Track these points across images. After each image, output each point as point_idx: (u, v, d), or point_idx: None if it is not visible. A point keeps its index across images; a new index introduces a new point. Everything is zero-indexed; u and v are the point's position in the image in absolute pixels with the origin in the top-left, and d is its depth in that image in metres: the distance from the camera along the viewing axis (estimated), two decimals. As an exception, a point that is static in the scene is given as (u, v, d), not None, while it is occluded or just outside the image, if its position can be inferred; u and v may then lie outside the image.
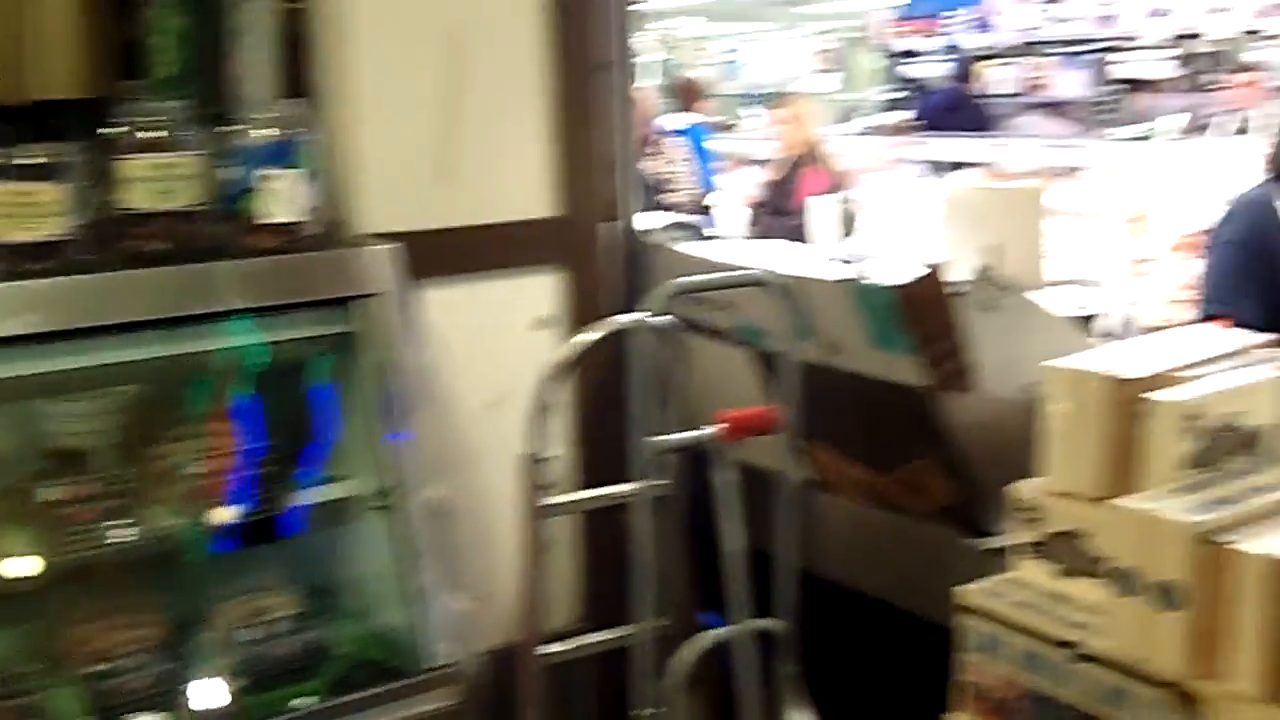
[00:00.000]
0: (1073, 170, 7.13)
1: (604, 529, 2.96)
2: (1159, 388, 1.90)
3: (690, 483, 2.66)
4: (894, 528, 2.59)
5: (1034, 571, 2.00)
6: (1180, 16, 9.47)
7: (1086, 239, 6.14)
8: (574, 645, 2.69)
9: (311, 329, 2.59)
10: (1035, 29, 10.48)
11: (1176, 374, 1.96)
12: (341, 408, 2.68)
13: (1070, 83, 10.41)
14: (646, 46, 11.91)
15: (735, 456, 2.45)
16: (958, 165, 7.56)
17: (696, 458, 2.56)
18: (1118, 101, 9.97)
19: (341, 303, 2.58)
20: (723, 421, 2.37)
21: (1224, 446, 1.92)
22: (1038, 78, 10.67)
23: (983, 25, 11.03)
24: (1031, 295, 2.39)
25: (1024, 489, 2.00)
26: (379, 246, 2.63)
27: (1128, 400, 1.90)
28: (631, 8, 3.25)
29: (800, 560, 2.62)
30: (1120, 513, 1.78)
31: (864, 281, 2.22)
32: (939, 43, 11.52)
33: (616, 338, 2.61)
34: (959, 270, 2.25)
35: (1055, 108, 10.50)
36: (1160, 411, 1.86)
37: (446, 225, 2.87)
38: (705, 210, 7.16)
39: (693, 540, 2.78)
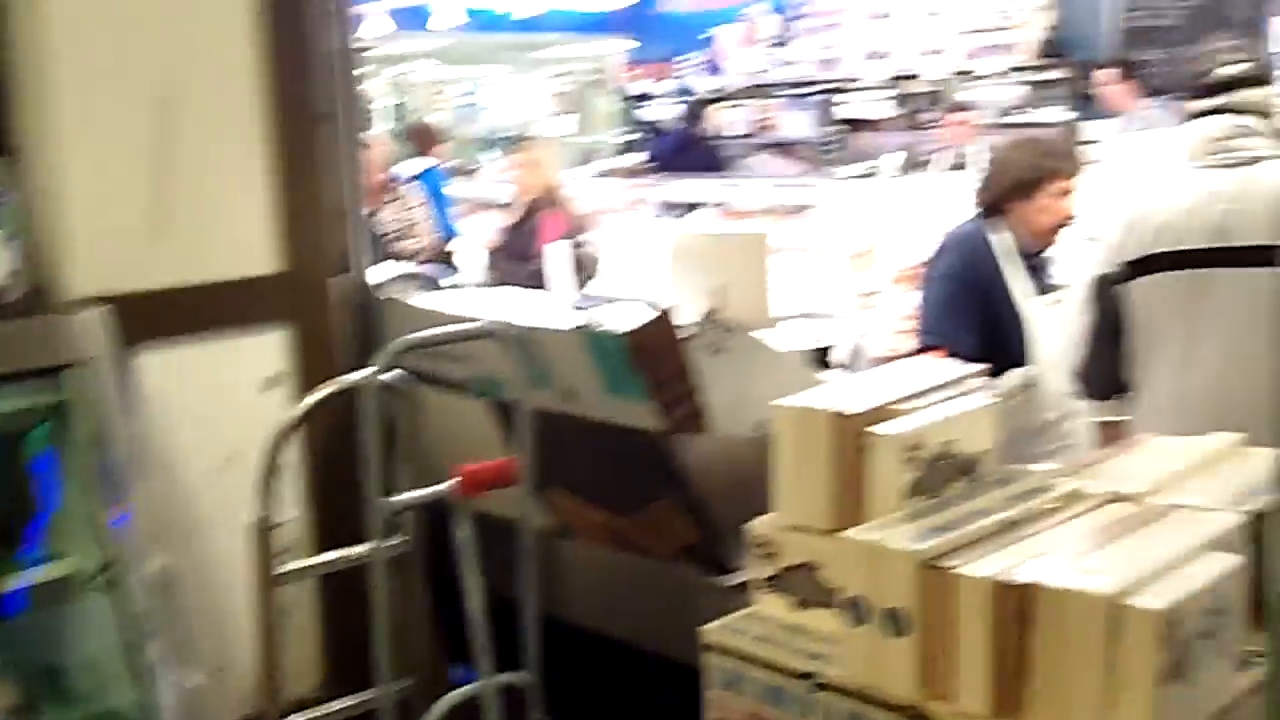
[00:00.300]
0: (802, 208, 7.38)
1: (343, 591, 2.88)
2: (880, 421, 1.96)
3: (434, 537, 2.61)
4: (639, 570, 2.60)
5: (772, 605, 2.03)
6: (897, 58, 9.94)
7: (817, 274, 6.36)
8: (317, 714, 2.60)
9: (19, 401, 2.45)
10: (763, 72, 10.84)
11: (896, 407, 2.02)
12: (59, 481, 2.54)
13: (797, 123, 10.79)
14: (378, 92, 11.79)
15: (477, 508, 2.42)
16: (693, 206, 7.73)
17: (439, 512, 2.52)
18: (842, 141, 10.39)
19: (51, 372, 2.45)
20: (459, 476, 2.33)
21: (944, 474, 1.99)
22: (766, 119, 11.03)
23: (713, 68, 11.35)
24: (760, 335, 2.44)
25: (759, 525, 2.03)
26: (89, 311, 2.50)
27: (852, 434, 1.95)
28: (358, 54, 3.20)
29: (548, 608, 2.61)
30: (848, 544, 1.83)
31: (595, 329, 2.22)
32: (673, 85, 11.79)
33: (348, 395, 2.55)
34: (688, 314, 2.29)
35: (784, 148, 10.87)
36: (881, 444, 1.92)
37: (164, 285, 2.75)
38: (446, 257, 7.10)
39: (441, 595, 2.73)
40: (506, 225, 6.52)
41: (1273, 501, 1.48)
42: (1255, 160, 2.91)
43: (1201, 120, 3.03)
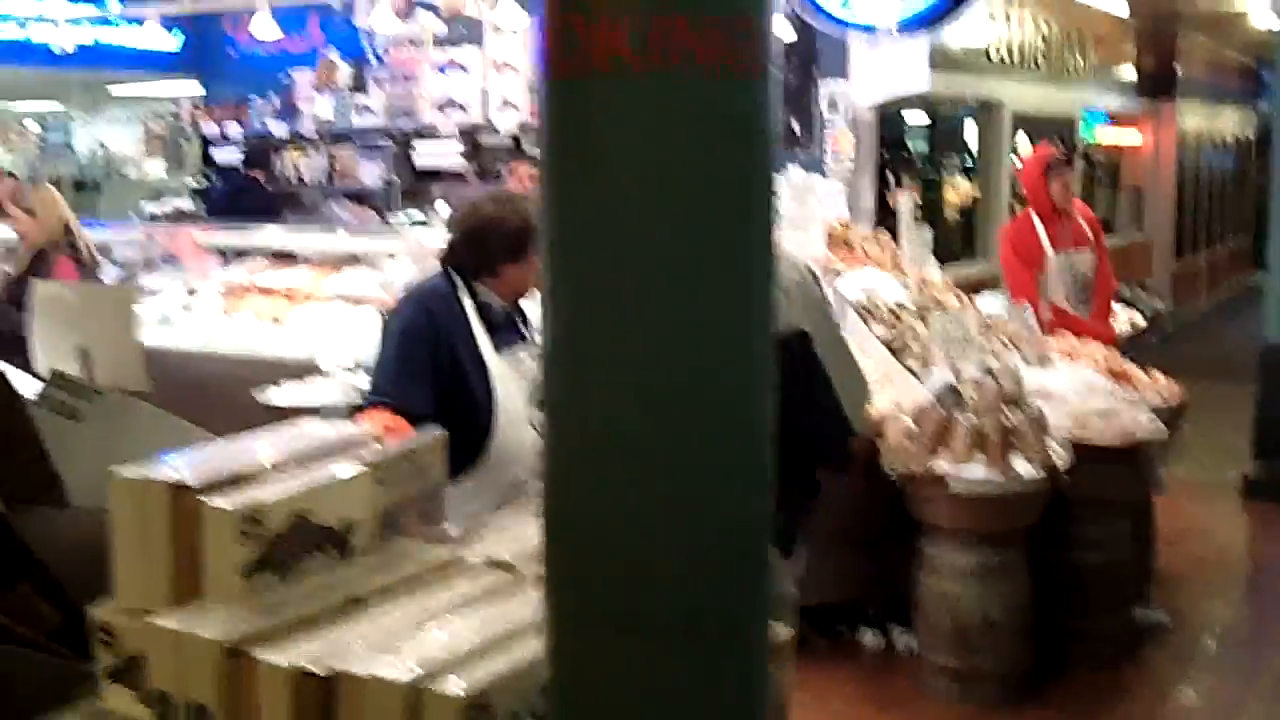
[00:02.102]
0: (378, 256, 7.20)
1: None
2: (227, 492, 1.79)
3: None
4: (17, 660, 2.32)
5: (117, 699, 1.82)
6: (472, 111, 9.92)
7: (364, 324, 6.21)
8: None
9: None
10: (341, 119, 10.57)
11: (254, 475, 1.87)
12: None
13: (372, 171, 10.59)
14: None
15: None
16: (241, 253, 7.43)
17: None
18: (411, 190, 10.29)
19: None
20: None
21: (301, 548, 1.84)
22: (343, 166, 10.77)
23: (288, 112, 10.98)
24: (140, 399, 2.21)
25: (100, 609, 1.82)
26: None
27: (192, 508, 1.78)
28: None
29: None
30: (158, 632, 1.66)
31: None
32: (247, 129, 11.31)
33: None
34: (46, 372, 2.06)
35: (357, 196, 10.64)
36: (215, 518, 1.75)
37: None
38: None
39: None
40: (14, 275, 5.99)
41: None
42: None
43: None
